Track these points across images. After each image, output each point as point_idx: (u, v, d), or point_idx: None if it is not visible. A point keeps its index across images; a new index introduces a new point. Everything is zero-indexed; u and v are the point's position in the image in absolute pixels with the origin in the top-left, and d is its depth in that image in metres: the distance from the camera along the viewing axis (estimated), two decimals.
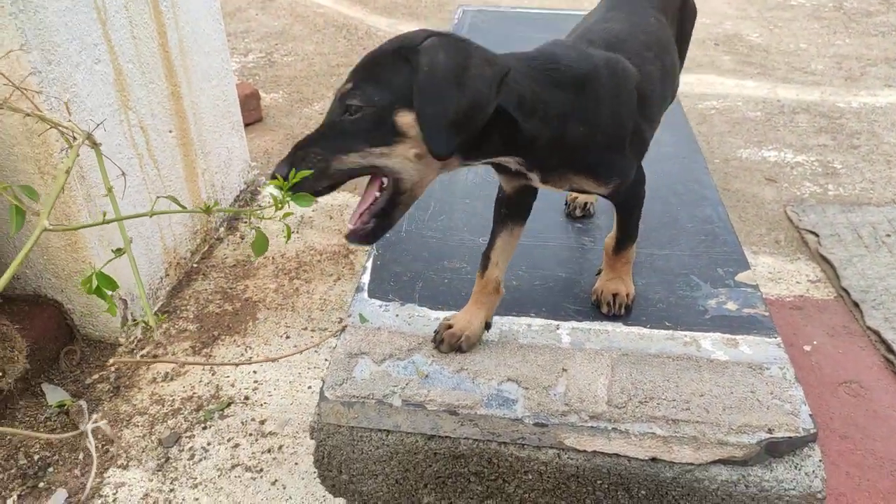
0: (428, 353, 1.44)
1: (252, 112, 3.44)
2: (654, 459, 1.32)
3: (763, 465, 1.29)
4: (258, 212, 1.11)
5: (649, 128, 1.45)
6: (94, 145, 1.34)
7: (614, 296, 1.55)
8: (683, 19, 1.81)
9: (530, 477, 1.37)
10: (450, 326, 1.44)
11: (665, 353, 1.46)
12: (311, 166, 1.07)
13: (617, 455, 1.32)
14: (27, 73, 1.70)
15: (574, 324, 1.53)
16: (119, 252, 1.10)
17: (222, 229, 2.67)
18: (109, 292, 1.08)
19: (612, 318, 1.55)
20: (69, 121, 1.60)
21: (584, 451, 1.32)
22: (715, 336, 1.52)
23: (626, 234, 1.53)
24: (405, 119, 1.06)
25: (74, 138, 1.30)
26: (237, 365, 2.03)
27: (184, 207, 1.16)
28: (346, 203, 2.86)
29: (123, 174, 1.65)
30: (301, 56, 4.31)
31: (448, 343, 1.43)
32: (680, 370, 1.43)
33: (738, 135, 3.52)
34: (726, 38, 4.70)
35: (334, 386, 1.37)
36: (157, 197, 1.51)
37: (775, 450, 1.29)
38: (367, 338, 1.48)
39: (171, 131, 2.31)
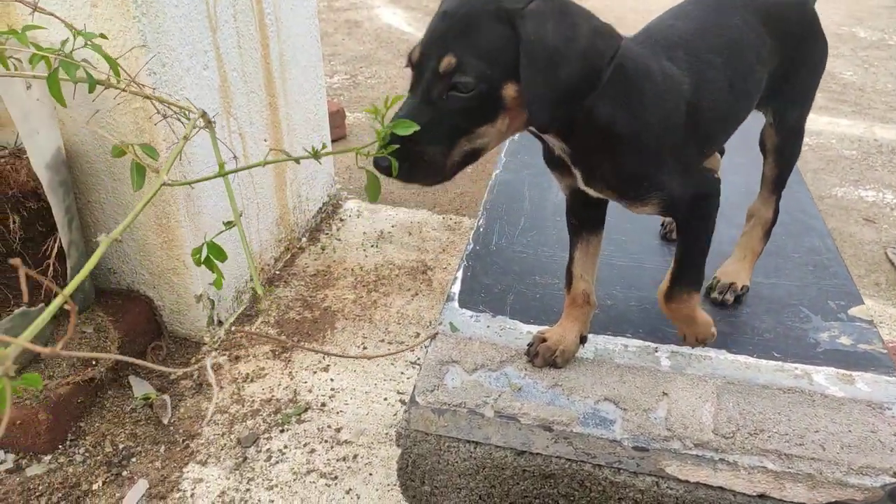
0: (520, 365, 1.40)
1: (337, 129, 3.51)
2: (762, 496, 1.22)
3: None
4: (364, 150, 1.05)
5: (697, 144, 1.26)
6: (209, 123, 1.38)
7: (695, 339, 1.41)
8: (802, 45, 1.46)
9: None
10: (544, 340, 1.40)
11: (775, 385, 1.37)
12: (428, 166, 1.01)
13: (722, 489, 1.23)
14: (145, 73, 1.78)
15: (673, 347, 1.46)
16: (230, 225, 1.11)
17: (304, 239, 2.71)
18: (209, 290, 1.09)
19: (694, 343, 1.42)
20: (186, 99, 1.66)
21: (687, 481, 1.24)
22: (829, 371, 1.41)
23: (682, 273, 1.28)
24: (511, 92, 0.98)
25: (185, 116, 1.34)
26: (343, 357, 2.04)
27: (291, 156, 1.13)
28: (426, 220, 2.86)
29: (235, 157, 1.68)
30: (384, 79, 4.41)
31: (543, 357, 1.38)
32: (792, 403, 1.33)
33: (833, 173, 3.37)
34: None
35: (425, 392, 1.33)
36: (270, 149, 1.52)
37: None
38: (459, 346, 1.44)
39: (265, 140, 2.37)
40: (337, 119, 3.51)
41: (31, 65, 1.33)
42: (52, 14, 1.50)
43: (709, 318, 1.40)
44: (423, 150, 1.00)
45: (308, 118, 2.66)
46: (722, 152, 1.82)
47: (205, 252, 1.04)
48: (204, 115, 1.24)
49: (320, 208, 2.85)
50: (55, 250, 1.84)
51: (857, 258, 2.71)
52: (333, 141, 3.35)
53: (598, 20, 1.01)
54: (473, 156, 1.06)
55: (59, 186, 1.80)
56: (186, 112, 1.26)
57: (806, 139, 3.69)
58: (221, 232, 1.09)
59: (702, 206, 1.24)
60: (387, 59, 4.71)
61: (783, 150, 1.55)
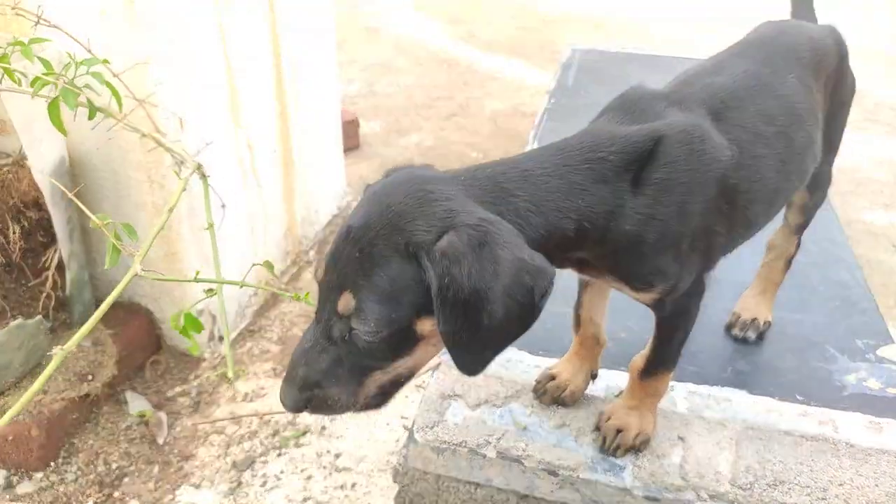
0: (526, 401, 1.33)
1: (350, 138, 3.46)
2: None
3: None
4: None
5: (730, 232, 1.09)
6: (203, 177, 1.33)
7: (618, 431, 1.21)
8: (838, 91, 1.31)
9: None
10: (553, 377, 1.32)
11: (797, 432, 1.28)
12: (335, 407, 0.89)
13: None
14: (151, 83, 1.74)
15: (691, 386, 1.38)
16: (210, 293, 1.06)
17: (312, 252, 2.66)
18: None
19: (608, 451, 1.22)
20: (178, 142, 1.62)
21: None
22: (855, 417, 1.32)
23: (660, 358, 1.17)
24: (426, 326, 0.84)
25: (176, 170, 1.29)
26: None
27: (273, 274, 1.10)
28: None
29: (223, 206, 1.65)
30: (401, 88, 4.36)
31: (551, 395, 1.30)
32: (815, 453, 1.25)
33: (863, 196, 3.25)
34: None
35: (425, 428, 1.27)
36: (253, 265, 1.47)
37: None
38: (462, 379, 1.37)
39: (275, 150, 2.32)
40: (350, 129, 3.46)
41: (34, 90, 1.28)
42: (56, 27, 1.47)
43: (656, 418, 1.25)
44: (325, 393, 0.87)
45: (320, 128, 2.61)
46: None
47: (182, 321, 1.00)
48: (199, 168, 1.19)
49: (330, 220, 2.80)
50: (55, 261, 1.80)
51: (887, 287, 2.60)
52: (346, 151, 3.30)
53: (527, 250, 0.83)
54: (396, 384, 0.92)
55: (61, 197, 1.76)
56: (180, 160, 1.22)
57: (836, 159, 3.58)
58: (200, 301, 1.06)
59: (691, 303, 1.13)
60: (405, 68, 4.66)
61: (811, 203, 1.44)
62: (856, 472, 1.22)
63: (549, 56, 4.84)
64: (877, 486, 1.20)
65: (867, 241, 2.87)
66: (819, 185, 1.41)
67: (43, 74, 1.19)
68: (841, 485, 1.20)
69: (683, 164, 0.98)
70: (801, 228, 1.49)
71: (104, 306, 0.89)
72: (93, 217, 1.13)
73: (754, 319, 1.51)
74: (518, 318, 0.82)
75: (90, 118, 1.26)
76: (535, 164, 0.93)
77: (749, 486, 1.18)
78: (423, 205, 0.82)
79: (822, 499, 1.17)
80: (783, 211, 1.49)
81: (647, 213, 0.97)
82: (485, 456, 1.23)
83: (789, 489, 1.18)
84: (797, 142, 1.14)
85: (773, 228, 1.58)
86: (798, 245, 1.53)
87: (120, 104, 1.34)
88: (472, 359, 0.85)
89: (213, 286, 1.11)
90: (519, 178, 0.91)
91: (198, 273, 1.15)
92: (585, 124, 1.09)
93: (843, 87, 1.34)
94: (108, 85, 1.29)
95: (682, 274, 1.04)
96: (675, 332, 1.15)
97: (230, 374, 0.97)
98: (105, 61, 1.31)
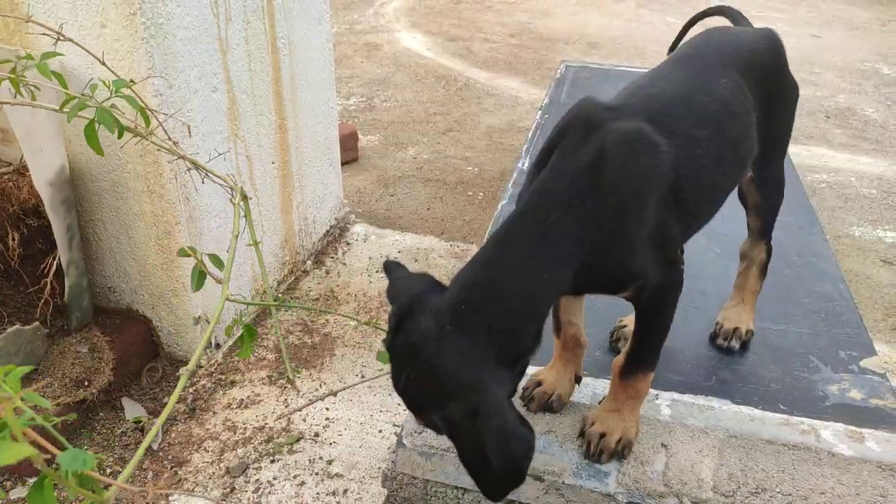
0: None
1: (349, 151, 3.51)
2: None
3: None
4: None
5: (682, 224, 1.17)
6: (245, 199, 1.38)
7: (602, 436, 1.24)
8: (777, 88, 1.39)
9: None
10: (539, 383, 1.35)
11: (779, 440, 1.31)
12: None
13: None
14: (151, 95, 1.78)
15: (675, 395, 1.41)
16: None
17: (309, 262, 2.69)
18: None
19: (593, 457, 1.25)
20: (223, 172, 1.64)
21: None
22: (837, 427, 1.35)
23: (641, 353, 1.21)
24: None
25: (229, 195, 1.33)
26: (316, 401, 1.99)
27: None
28: (433, 247, 2.83)
29: (237, 236, 1.68)
30: (400, 102, 4.41)
31: (538, 402, 1.33)
32: (797, 461, 1.27)
33: (851, 211, 3.29)
34: (839, 112, 4.47)
35: (413, 433, 1.29)
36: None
37: None
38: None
39: (273, 162, 2.36)
40: (350, 142, 3.51)
41: (69, 112, 1.30)
42: (71, 40, 1.49)
43: (638, 422, 1.29)
44: None
45: (318, 141, 2.65)
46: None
47: (238, 330, 1.07)
48: (242, 192, 1.24)
49: (327, 231, 2.84)
50: (54, 268, 1.83)
51: (874, 301, 2.64)
52: (344, 164, 3.35)
53: (512, 417, 0.94)
54: None
55: (61, 204, 1.80)
56: (218, 177, 1.26)
57: (824, 176, 3.63)
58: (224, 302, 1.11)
59: (667, 297, 1.18)
60: (403, 83, 4.72)
61: (765, 204, 1.48)
62: (837, 480, 1.24)
63: (545, 73, 4.91)
64: (858, 494, 1.22)
65: (855, 256, 2.91)
66: (770, 186, 1.47)
67: (80, 95, 1.21)
68: (822, 493, 1.22)
69: (627, 169, 1.08)
70: (763, 232, 1.53)
71: (206, 335, 0.96)
72: (185, 248, 1.20)
73: (736, 329, 1.54)
74: (509, 475, 0.94)
75: (118, 138, 1.29)
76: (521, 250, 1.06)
77: (731, 493, 1.20)
78: (434, 373, 0.97)
79: None
80: (747, 224, 1.54)
81: (610, 219, 1.06)
82: None
83: (771, 497, 1.20)
84: (731, 137, 1.23)
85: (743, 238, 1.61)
86: (769, 251, 1.55)
87: (147, 122, 1.37)
88: (487, 491, 0.98)
89: (221, 275, 1.17)
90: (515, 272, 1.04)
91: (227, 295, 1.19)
92: None
93: (781, 87, 1.40)
94: (141, 109, 1.32)
95: (648, 271, 1.11)
96: (654, 326, 1.20)
97: (290, 375, 1.00)
98: (132, 82, 1.34)
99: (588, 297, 1.33)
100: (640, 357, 1.22)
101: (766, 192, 1.47)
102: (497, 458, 0.92)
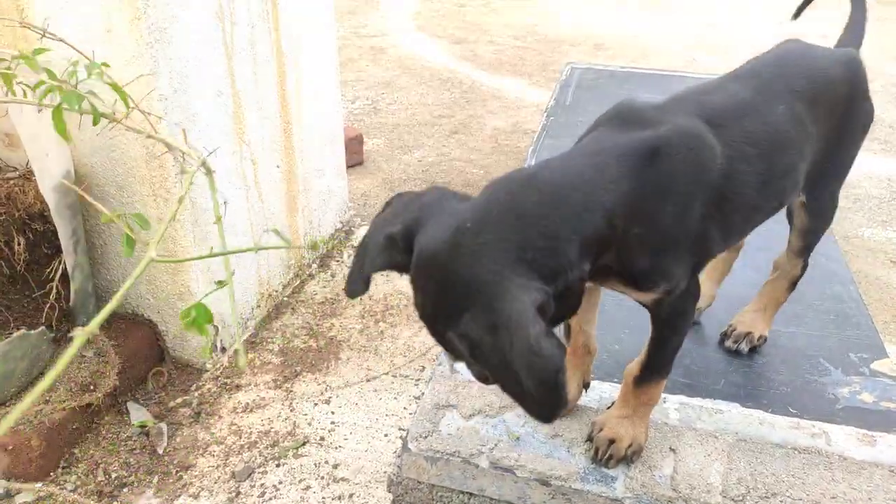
0: (520, 412, 1.34)
1: (354, 155, 3.51)
2: None
3: None
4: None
5: (720, 237, 1.13)
6: (209, 172, 1.36)
7: (611, 442, 1.23)
8: (847, 119, 1.32)
9: None
10: None
11: (790, 444, 1.29)
12: None
13: None
14: (156, 99, 1.78)
15: (683, 398, 1.39)
16: (221, 284, 1.08)
17: (315, 266, 2.69)
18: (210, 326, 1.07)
19: (601, 462, 1.23)
20: (188, 146, 1.65)
21: None
22: (848, 430, 1.33)
23: (656, 362, 1.19)
24: None
25: (182, 166, 1.33)
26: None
27: (288, 242, 1.13)
28: None
29: (225, 203, 1.67)
30: (405, 105, 4.41)
31: None
32: (807, 465, 1.25)
33: (860, 212, 3.27)
34: None
35: (418, 438, 1.28)
36: (265, 230, 1.51)
37: None
38: (457, 390, 1.39)
39: (278, 166, 2.36)
40: (355, 145, 3.51)
41: (38, 96, 1.32)
42: (62, 40, 1.50)
43: (648, 428, 1.27)
44: None
45: (324, 145, 2.65)
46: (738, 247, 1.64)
47: (193, 314, 1.01)
48: (204, 163, 1.22)
49: (332, 234, 2.83)
50: (59, 273, 1.83)
51: (884, 303, 2.61)
52: (349, 167, 3.35)
53: (535, 329, 0.81)
54: None
55: (67, 209, 1.80)
56: (182, 154, 1.24)
57: None
58: (211, 293, 1.07)
59: (687, 305, 1.15)
60: (409, 86, 4.72)
61: (812, 227, 1.44)
62: (848, 485, 1.22)
63: (550, 75, 4.90)
64: (870, 499, 1.20)
65: (865, 257, 2.88)
66: (820, 211, 1.42)
67: (47, 80, 1.22)
68: (833, 498, 1.20)
69: (684, 164, 1.02)
70: (803, 252, 1.49)
71: (124, 288, 0.90)
72: (103, 210, 1.15)
73: (749, 333, 1.52)
74: (545, 395, 0.83)
75: (94, 124, 1.29)
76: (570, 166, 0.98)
77: (741, 498, 1.19)
78: (448, 280, 0.85)
79: None
80: (788, 241, 1.50)
81: (653, 213, 1.01)
82: (478, 466, 1.24)
83: (781, 502, 1.19)
84: (778, 167, 1.18)
85: (780, 250, 1.58)
86: (804, 268, 1.52)
87: (126, 103, 1.37)
88: (533, 413, 0.89)
89: (224, 278, 1.13)
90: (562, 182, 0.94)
91: (223, 282, 1.15)
92: None
93: (853, 115, 1.34)
94: (114, 86, 1.32)
95: (682, 275, 1.07)
96: (672, 333, 1.17)
97: (241, 364, 0.98)
98: (105, 64, 1.34)
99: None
100: (655, 364, 1.20)
101: (816, 216, 1.42)
102: (527, 378, 0.81)
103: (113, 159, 1.89)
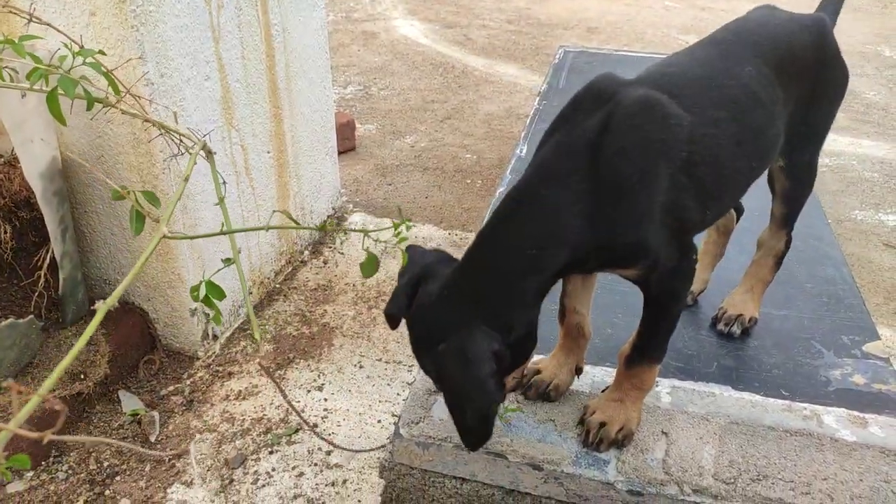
0: (512, 397, 1.33)
1: (346, 141, 3.48)
2: None
3: None
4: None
5: (699, 206, 1.14)
6: (209, 154, 1.35)
7: (601, 425, 1.24)
8: (818, 82, 1.35)
9: None
10: (538, 372, 1.33)
11: (781, 426, 1.29)
12: None
13: None
14: (143, 84, 1.75)
15: (675, 382, 1.39)
16: (228, 262, 1.08)
17: (307, 252, 2.67)
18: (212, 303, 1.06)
19: (592, 445, 1.24)
20: (187, 129, 1.63)
21: None
22: (840, 412, 1.33)
23: (648, 343, 1.20)
24: None
25: (187, 146, 1.31)
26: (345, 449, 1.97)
27: (297, 223, 1.15)
28: (431, 235, 2.81)
29: (225, 183, 1.65)
30: (397, 91, 4.38)
31: (536, 390, 1.31)
32: (799, 447, 1.25)
33: (853, 195, 3.27)
34: None
35: (410, 424, 1.28)
36: (274, 211, 1.50)
37: None
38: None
39: (269, 152, 2.33)
40: (346, 131, 3.48)
41: (30, 81, 1.30)
42: (48, 24, 1.48)
43: (640, 414, 1.28)
44: None
45: (314, 130, 2.62)
46: (740, 211, 1.65)
47: (203, 291, 1.01)
48: (205, 146, 1.20)
49: (324, 221, 2.81)
50: (47, 261, 1.81)
51: (876, 285, 2.61)
52: (341, 153, 3.32)
53: (486, 368, 1.03)
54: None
55: (54, 196, 1.78)
56: (180, 137, 1.23)
57: (826, 160, 3.59)
58: (219, 270, 1.07)
59: (678, 285, 1.16)
60: (401, 71, 4.68)
61: (793, 192, 1.45)
62: (839, 466, 1.23)
63: (543, 59, 4.87)
64: (861, 480, 1.21)
65: (857, 240, 2.88)
66: (800, 175, 1.43)
67: (41, 66, 1.20)
68: (825, 479, 1.20)
69: (634, 134, 1.06)
70: (786, 221, 1.49)
71: (140, 262, 0.90)
72: (113, 185, 1.14)
73: (740, 315, 1.52)
74: (476, 424, 1.05)
75: (88, 108, 1.27)
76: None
77: (732, 480, 1.19)
78: (430, 323, 1.10)
79: (806, 493, 1.18)
80: (771, 211, 1.51)
81: (615, 189, 1.05)
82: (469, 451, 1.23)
83: (773, 483, 1.19)
84: (751, 124, 1.20)
85: (763, 224, 1.59)
86: (788, 242, 1.53)
87: (116, 90, 1.35)
88: (463, 439, 1.08)
89: (220, 265, 1.13)
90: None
91: (230, 260, 1.15)
92: None
93: (824, 79, 1.36)
94: (108, 76, 1.31)
95: (661, 249, 1.09)
96: (663, 314, 1.18)
97: (256, 336, 1.01)
98: (101, 52, 1.32)
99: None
100: (646, 347, 1.20)
101: (796, 180, 1.43)
102: (467, 405, 1.03)
103: (100, 146, 1.87)
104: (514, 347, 1.08)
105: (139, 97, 1.66)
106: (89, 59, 1.32)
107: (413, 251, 1.21)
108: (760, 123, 1.22)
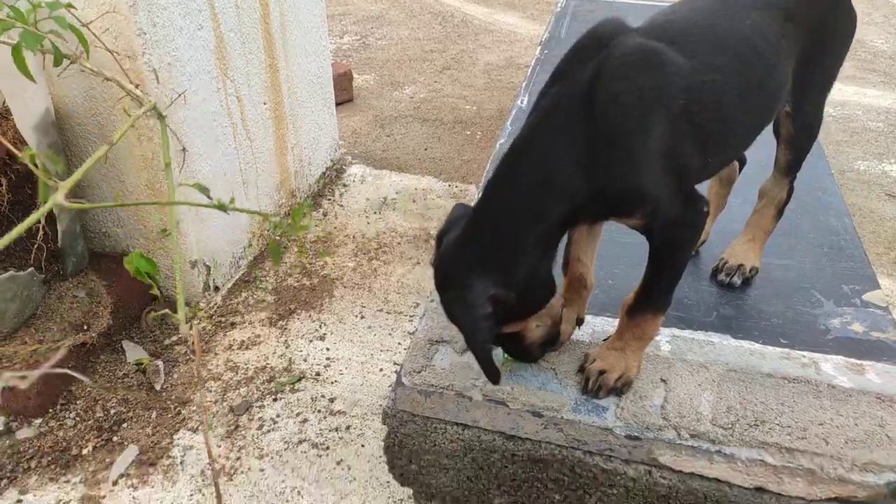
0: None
1: (343, 92, 3.43)
2: (759, 489, 1.17)
3: None
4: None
5: (702, 152, 1.13)
6: (160, 117, 1.32)
7: (601, 373, 1.24)
8: (827, 29, 1.33)
9: (615, 492, 1.25)
10: None
11: (779, 373, 1.30)
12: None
13: (717, 480, 1.18)
14: (135, 34, 1.71)
15: (675, 331, 1.40)
16: (164, 233, 1.07)
17: (307, 205, 2.66)
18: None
19: (591, 392, 1.24)
20: (156, 86, 1.59)
21: (681, 471, 1.19)
22: (837, 359, 1.34)
23: (651, 292, 1.19)
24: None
25: (143, 104, 1.28)
26: None
27: (265, 216, 1.16)
28: (431, 187, 2.80)
29: (185, 150, 1.63)
30: (395, 40, 4.29)
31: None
32: (796, 394, 1.27)
33: (857, 145, 3.23)
34: None
35: (412, 373, 1.29)
36: (193, 183, 1.46)
37: None
38: (450, 325, 1.39)
39: (265, 103, 2.30)
40: (344, 81, 3.42)
41: None
42: None
43: (640, 363, 1.28)
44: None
45: (311, 81, 2.58)
46: (743, 162, 1.63)
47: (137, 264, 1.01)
48: (154, 107, 1.17)
49: (323, 173, 2.79)
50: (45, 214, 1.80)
51: (878, 235, 2.61)
52: (339, 104, 3.27)
53: (480, 312, 1.09)
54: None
55: (48, 149, 1.75)
56: (138, 100, 1.20)
57: (830, 109, 3.54)
58: (156, 240, 1.04)
59: (683, 235, 1.16)
60: (399, 20, 4.58)
61: (798, 138, 1.43)
62: (836, 411, 1.24)
63: (544, 7, 4.75)
64: (856, 425, 1.22)
65: (860, 190, 2.87)
66: (806, 121, 1.42)
67: (7, 17, 1.16)
68: (821, 424, 1.22)
69: (631, 78, 1.06)
70: (790, 169, 1.48)
71: (30, 220, 0.83)
72: (16, 153, 1.10)
73: (741, 265, 1.52)
74: (479, 358, 1.13)
75: (56, 65, 1.24)
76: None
77: (730, 425, 1.21)
78: (442, 272, 1.17)
79: (802, 437, 1.20)
80: (775, 158, 1.49)
81: (612, 137, 1.05)
82: (471, 399, 1.25)
83: (770, 429, 1.21)
84: (754, 71, 1.19)
85: (766, 176, 1.58)
86: (790, 192, 1.52)
87: (86, 47, 1.32)
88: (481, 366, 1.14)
89: (167, 226, 1.12)
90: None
91: (166, 231, 1.15)
92: None
93: (832, 25, 1.34)
94: (73, 28, 1.27)
95: (660, 196, 1.09)
96: (666, 266, 1.18)
97: (182, 330, 0.98)
98: (69, 6, 1.28)
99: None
100: (649, 296, 1.20)
101: (801, 125, 1.42)
102: (468, 343, 1.13)
103: (92, 97, 1.84)
104: (524, 295, 1.11)
105: (116, 52, 1.62)
106: (58, 13, 1.28)
107: (455, 208, 1.25)
108: (765, 68, 1.21)
